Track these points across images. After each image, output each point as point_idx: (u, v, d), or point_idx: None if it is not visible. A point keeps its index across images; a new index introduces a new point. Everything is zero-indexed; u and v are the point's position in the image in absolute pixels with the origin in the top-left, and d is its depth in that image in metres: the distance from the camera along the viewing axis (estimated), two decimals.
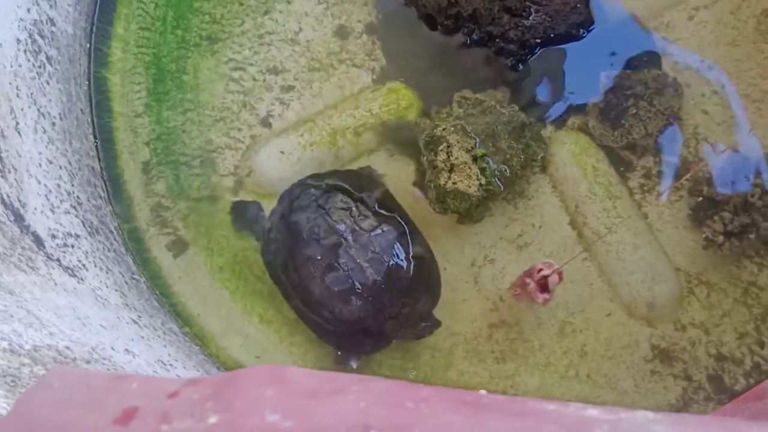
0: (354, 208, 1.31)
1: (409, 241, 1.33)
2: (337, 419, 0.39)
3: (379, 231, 1.30)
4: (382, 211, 1.34)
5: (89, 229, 1.25)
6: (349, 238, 1.28)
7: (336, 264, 1.27)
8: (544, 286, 1.25)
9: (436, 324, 1.34)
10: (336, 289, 1.27)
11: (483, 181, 1.33)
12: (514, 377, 1.37)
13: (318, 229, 1.30)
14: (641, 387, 1.35)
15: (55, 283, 1.02)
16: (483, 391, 0.46)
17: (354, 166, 1.46)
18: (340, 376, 0.47)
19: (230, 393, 0.43)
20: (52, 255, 1.08)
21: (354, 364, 1.37)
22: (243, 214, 1.44)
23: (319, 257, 1.28)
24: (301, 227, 1.31)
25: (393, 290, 1.28)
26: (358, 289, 1.27)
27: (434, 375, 1.38)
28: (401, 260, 1.30)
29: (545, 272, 1.25)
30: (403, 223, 1.35)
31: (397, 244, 1.30)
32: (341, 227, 1.29)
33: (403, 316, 1.30)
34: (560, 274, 1.26)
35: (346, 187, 1.35)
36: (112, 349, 0.99)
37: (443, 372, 1.38)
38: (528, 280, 1.28)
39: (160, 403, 0.44)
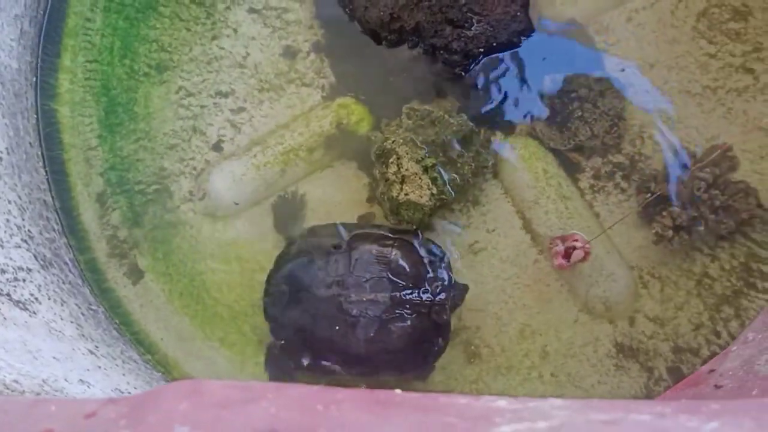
0: (318, 265, 1.31)
1: (378, 237, 1.33)
2: (245, 426, 0.40)
3: (353, 261, 1.29)
4: (337, 241, 1.35)
5: (42, 263, 1.25)
6: (340, 290, 1.28)
7: (352, 318, 1.27)
8: (567, 255, 1.33)
9: (465, 287, 1.34)
10: (372, 334, 1.27)
11: (434, 191, 1.34)
12: (478, 382, 1.38)
13: (315, 309, 1.29)
14: (605, 382, 1.37)
15: (5, 318, 1.01)
16: (398, 391, 0.47)
17: (308, 183, 1.46)
18: (259, 385, 0.47)
19: (145, 409, 0.44)
20: (2, 290, 1.08)
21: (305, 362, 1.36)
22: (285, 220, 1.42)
23: (337, 327, 1.27)
24: (306, 319, 1.30)
25: (418, 285, 1.28)
26: (388, 315, 1.27)
27: (397, 384, 1.38)
28: (393, 259, 1.29)
29: (576, 245, 1.32)
30: (360, 230, 1.35)
31: (374, 250, 1.30)
32: (325, 291, 1.29)
33: (444, 296, 1.30)
34: (587, 253, 1.32)
35: (298, 259, 1.34)
36: (65, 380, 0.98)
37: (406, 381, 1.39)
38: (557, 242, 1.34)
39: (76, 424, 0.44)
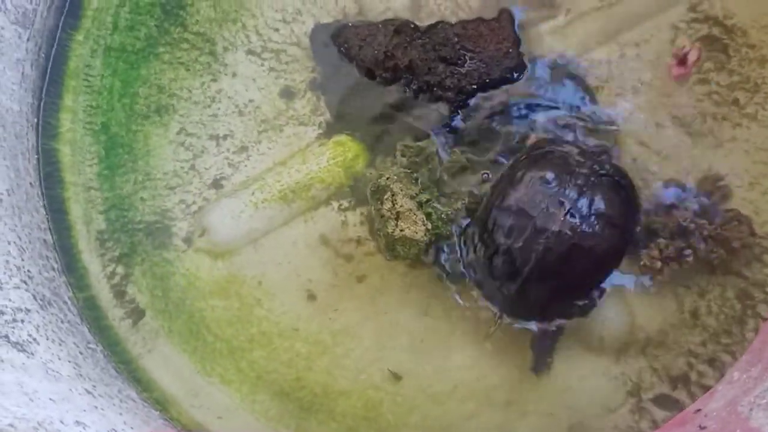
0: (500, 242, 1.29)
1: (506, 183, 1.33)
2: None
3: (520, 203, 1.28)
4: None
5: (41, 303, 1.26)
6: (542, 233, 1.25)
7: (574, 236, 1.24)
8: (683, 62, 1.38)
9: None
10: (596, 228, 1.25)
11: (429, 226, 1.35)
12: (478, 417, 1.38)
13: (551, 264, 1.26)
14: (604, 418, 1.36)
15: (2, 360, 1.02)
16: None
17: (306, 218, 1.48)
18: None
19: None
20: (0, 332, 1.09)
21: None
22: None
23: (574, 256, 1.25)
24: (552, 282, 1.29)
25: (571, 173, 1.29)
26: (589, 209, 1.26)
27: (397, 421, 1.39)
28: (539, 177, 1.29)
29: (684, 50, 1.37)
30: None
31: (520, 193, 1.29)
32: (539, 242, 1.25)
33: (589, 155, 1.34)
34: (700, 50, 1.37)
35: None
36: (61, 422, 0.99)
37: (406, 416, 1.39)
38: (672, 60, 1.39)
39: None
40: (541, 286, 1.28)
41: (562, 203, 1.25)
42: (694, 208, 1.35)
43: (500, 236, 1.29)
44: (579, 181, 1.27)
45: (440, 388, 1.39)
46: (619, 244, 1.31)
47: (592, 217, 1.25)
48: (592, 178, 1.28)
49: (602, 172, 1.30)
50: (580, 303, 1.35)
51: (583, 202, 1.26)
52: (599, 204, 1.26)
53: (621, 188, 1.32)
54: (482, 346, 1.40)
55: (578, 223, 1.24)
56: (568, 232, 1.24)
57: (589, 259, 1.27)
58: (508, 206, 1.29)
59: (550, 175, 1.28)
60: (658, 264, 1.33)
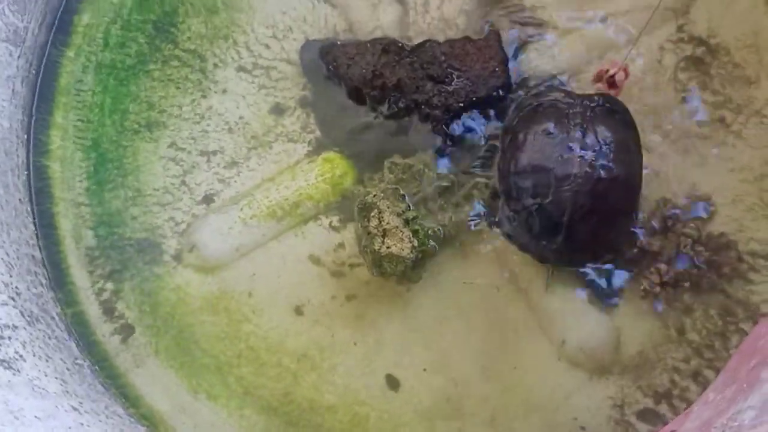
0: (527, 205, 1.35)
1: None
2: None
3: (528, 153, 1.34)
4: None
5: (28, 319, 1.26)
6: (570, 179, 1.29)
7: (593, 173, 1.28)
8: (612, 84, 1.42)
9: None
10: (609, 165, 1.30)
11: (416, 243, 1.37)
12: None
13: (584, 205, 1.30)
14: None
15: None
16: None
17: (295, 234, 1.49)
18: None
19: None
20: None
21: None
22: None
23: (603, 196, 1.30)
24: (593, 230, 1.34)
25: (567, 120, 1.34)
26: (595, 152, 1.30)
27: None
28: (543, 130, 1.34)
29: (611, 72, 1.41)
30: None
31: (529, 151, 1.35)
32: (571, 187, 1.30)
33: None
34: (626, 70, 1.40)
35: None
36: None
37: None
38: (599, 85, 1.43)
39: None
40: (583, 228, 1.32)
41: (571, 147, 1.29)
42: (692, 234, 1.37)
43: (527, 198, 1.33)
44: (577, 120, 1.32)
45: (427, 403, 1.40)
46: (635, 162, 1.35)
47: (604, 147, 1.30)
48: (588, 113, 1.33)
49: (593, 104, 1.35)
50: (626, 231, 1.39)
51: (590, 138, 1.30)
52: (604, 133, 1.31)
53: (615, 113, 1.36)
54: (469, 362, 1.41)
55: (595, 158, 1.29)
56: (589, 169, 1.28)
57: (616, 187, 1.30)
58: (523, 168, 1.34)
59: (549, 126, 1.33)
60: (657, 289, 1.35)
